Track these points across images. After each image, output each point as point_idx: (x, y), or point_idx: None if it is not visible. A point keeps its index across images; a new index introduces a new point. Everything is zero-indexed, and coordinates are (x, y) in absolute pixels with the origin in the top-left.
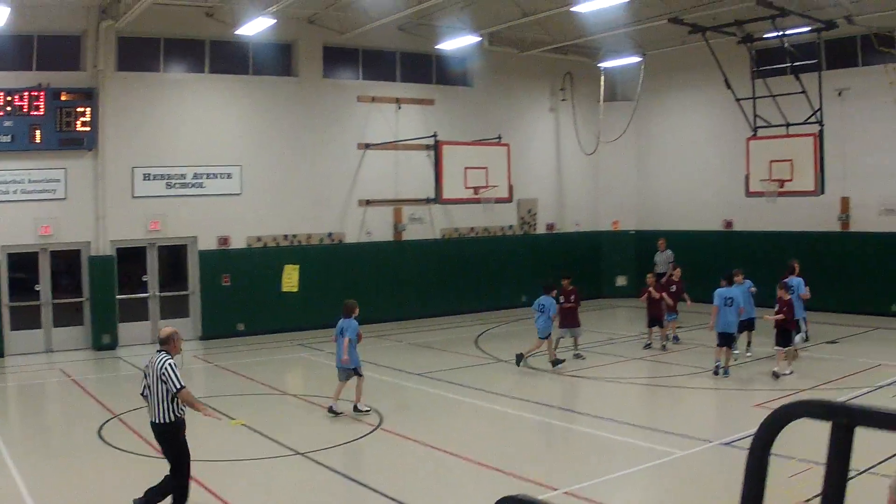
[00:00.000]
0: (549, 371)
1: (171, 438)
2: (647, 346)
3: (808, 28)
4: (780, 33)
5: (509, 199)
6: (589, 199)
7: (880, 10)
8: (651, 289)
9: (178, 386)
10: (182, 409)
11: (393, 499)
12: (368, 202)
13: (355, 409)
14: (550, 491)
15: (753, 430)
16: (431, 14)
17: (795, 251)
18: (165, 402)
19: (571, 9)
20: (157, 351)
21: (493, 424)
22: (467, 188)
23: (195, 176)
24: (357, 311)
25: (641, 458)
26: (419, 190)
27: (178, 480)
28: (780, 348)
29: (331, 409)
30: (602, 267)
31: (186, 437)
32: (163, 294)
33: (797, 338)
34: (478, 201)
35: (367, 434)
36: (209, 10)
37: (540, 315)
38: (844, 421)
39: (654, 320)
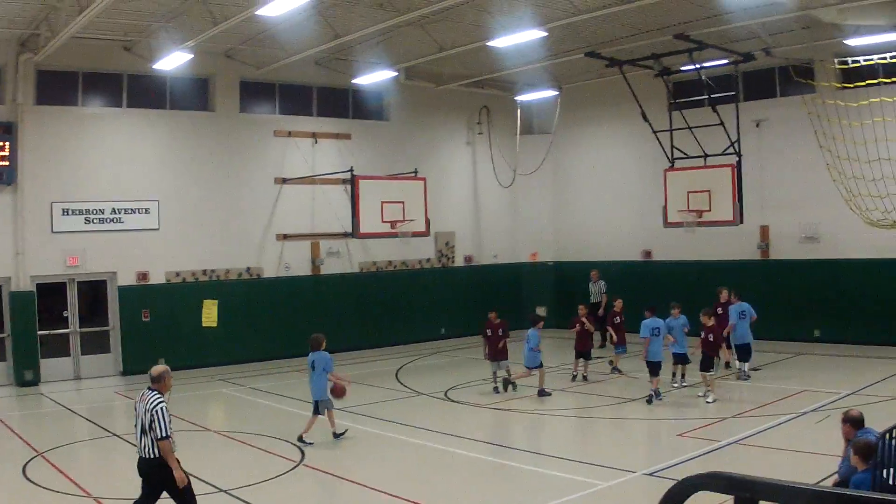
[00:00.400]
0: (473, 404)
1: (167, 472)
2: (574, 377)
3: (726, 61)
4: (698, 66)
5: (426, 233)
6: (507, 232)
7: (798, 43)
8: (584, 319)
9: (163, 434)
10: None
11: None
12: (286, 237)
13: (299, 438)
14: None
15: (677, 459)
16: (348, 49)
17: (716, 280)
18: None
19: (487, 44)
20: (148, 388)
21: (417, 459)
22: (384, 222)
23: (113, 211)
24: (324, 343)
25: (565, 491)
26: (336, 224)
27: None
28: (704, 373)
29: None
30: (521, 298)
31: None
32: (83, 330)
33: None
34: (395, 235)
35: (290, 470)
36: (127, 44)
37: (525, 345)
38: (747, 495)
39: (582, 353)
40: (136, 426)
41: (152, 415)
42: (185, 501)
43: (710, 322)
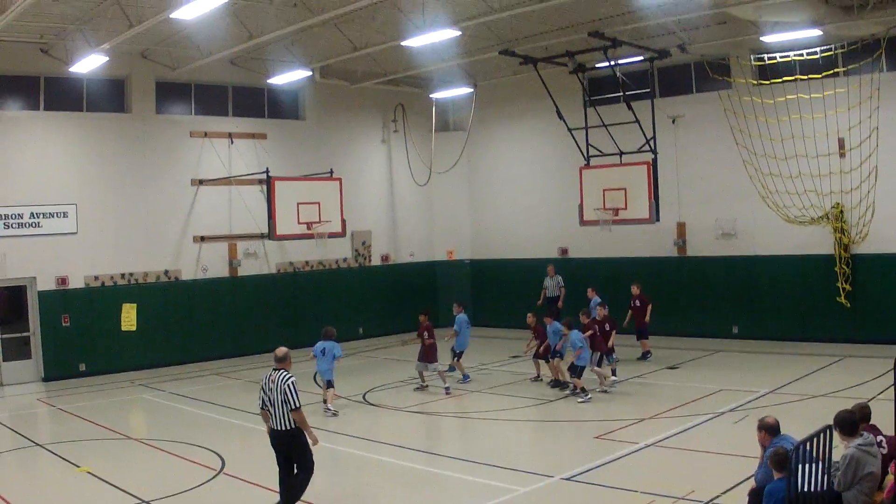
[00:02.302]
0: (392, 407)
1: (298, 442)
2: (535, 378)
3: (641, 57)
4: (613, 63)
5: (342, 234)
6: (423, 230)
7: (713, 39)
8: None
9: (297, 405)
10: None
11: None
12: (203, 238)
13: (326, 409)
14: None
15: (594, 463)
16: (263, 48)
17: (634, 277)
18: (288, 412)
19: (402, 43)
20: (275, 369)
21: (335, 465)
22: (300, 223)
23: (32, 215)
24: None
25: (484, 497)
26: (253, 225)
27: (306, 475)
28: (598, 369)
29: (329, 411)
30: (438, 296)
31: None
32: (4, 336)
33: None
34: (311, 236)
35: (212, 479)
36: (44, 46)
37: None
38: None
39: (543, 356)
40: (267, 404)
41: (285, 390)
42: (306, 467)
43: (587, 319)
